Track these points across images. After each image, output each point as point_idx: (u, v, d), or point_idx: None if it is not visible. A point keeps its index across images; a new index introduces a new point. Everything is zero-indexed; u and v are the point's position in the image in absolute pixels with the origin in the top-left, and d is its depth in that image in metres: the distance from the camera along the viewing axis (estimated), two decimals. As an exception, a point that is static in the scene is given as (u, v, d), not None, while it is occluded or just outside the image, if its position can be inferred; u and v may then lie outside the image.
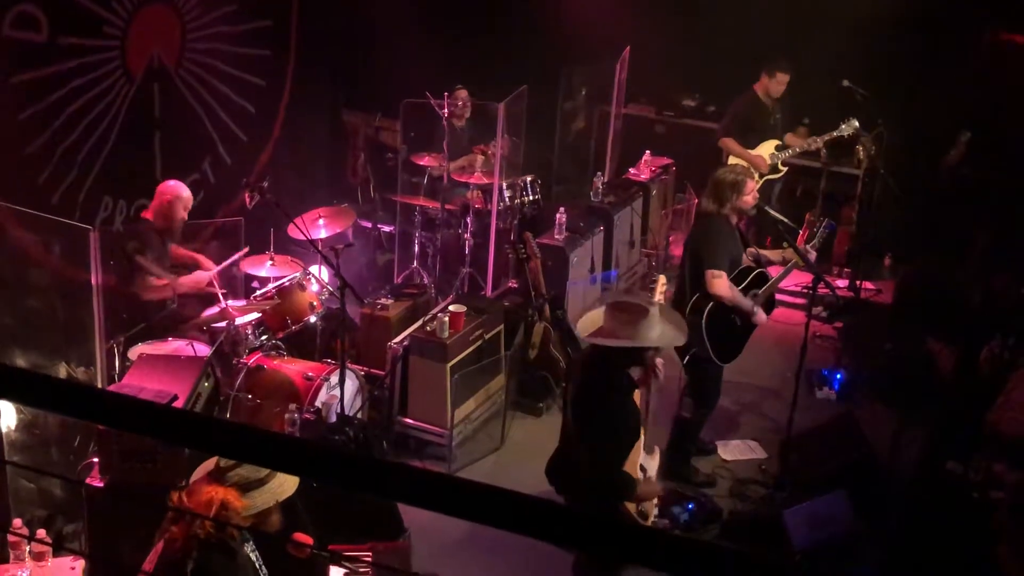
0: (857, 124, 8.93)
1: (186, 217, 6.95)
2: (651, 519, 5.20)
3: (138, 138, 7.80)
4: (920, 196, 9.37)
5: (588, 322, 5.02)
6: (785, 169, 9.35)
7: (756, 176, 9.13)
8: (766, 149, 9.21)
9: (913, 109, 9.47)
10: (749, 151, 9.18)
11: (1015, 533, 5.14)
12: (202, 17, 8.21)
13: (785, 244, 6.94)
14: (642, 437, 5.09)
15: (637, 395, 5.10)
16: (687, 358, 6.47)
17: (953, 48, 9.73)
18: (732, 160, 9.11)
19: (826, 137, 9.03)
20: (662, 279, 5.68)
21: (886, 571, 5.87)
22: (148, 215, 6.97)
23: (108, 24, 7.41)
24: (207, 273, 6.95)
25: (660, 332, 4.94)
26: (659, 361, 5.25)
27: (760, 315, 6.45)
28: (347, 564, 4.50)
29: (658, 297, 5.46)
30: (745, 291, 6.42)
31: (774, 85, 9.20)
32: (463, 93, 9.15)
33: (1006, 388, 6.36)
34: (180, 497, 3.80)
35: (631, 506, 5.01)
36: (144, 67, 7.78)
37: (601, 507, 4.97)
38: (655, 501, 5.25)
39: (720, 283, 6.24)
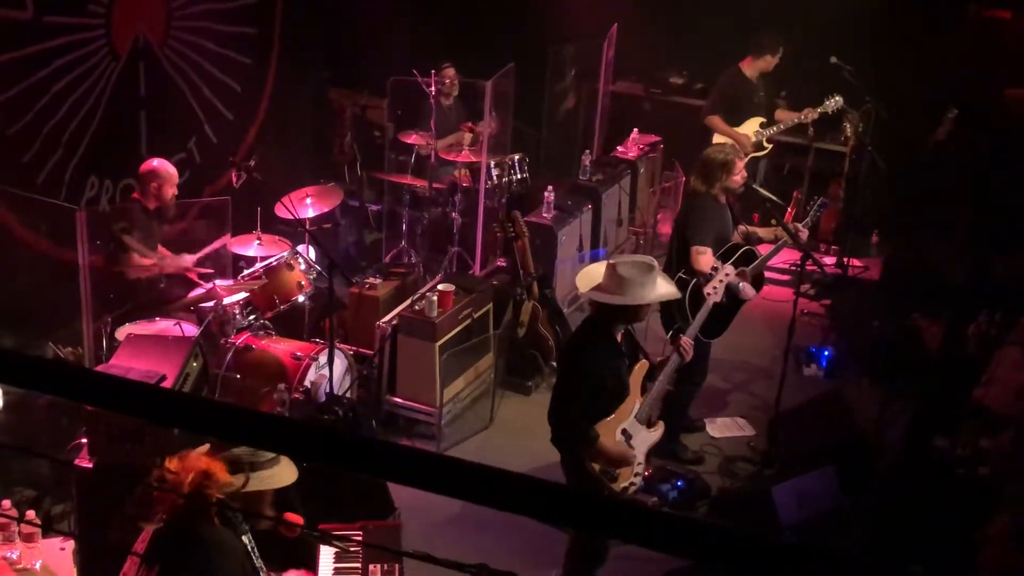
0: (841, 100, 8.91)
1: (175, 193, 6.90)
2: (623, 484, 5.23)
3: (124, 117, 7.75)
4: (907, 173, 9.38)
5: (587, 277, 5.27)
6: (770, 147, 9.31)
7: (741, 154, 9.10)
8: (751, 127, 9.18)
9: (900, 86, 9.47)
10: (734, 129, 9.15)
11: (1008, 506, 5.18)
12: (187, -5, 8.16)
13: (774, 222, 6.94)
14: (636, 405, 5.22)
15: (642, 366, 5.26)
16: (671, 332, 6.48)
17: (939, 25, 9.72)
18: (717, 138, 9.09)
19: (819, 108, 8.99)
20: (728, 268, 5.83)
21: (874, 546, 5.91)
22: (137, 196, 6.94)
23: (93, 2, 7.35)
24: (190, 256, 6.94)
25: (655, 290, 5.15)
26: (687, 341, 5.35)
27: (746, 289, 6.44)
28: (337, 543, 4.50)
29: (715, 284, 5.69)
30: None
31: (764, 63, 9.10)
32: (450, 71, 9.10)
33: (991, 364, 6.39)
34: (173, 460, 3.79)
35: (596, 465, 5.13)
36: (129, 45, 7.73)
37: (568, 456, 5.21)
38: (634, 470, 5.28)
39: (704, 259, 6.27)
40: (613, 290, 5.08)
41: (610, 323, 5.17)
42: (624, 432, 5.20)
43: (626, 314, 5.16)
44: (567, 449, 5.23)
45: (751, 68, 9.13)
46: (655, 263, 5.23)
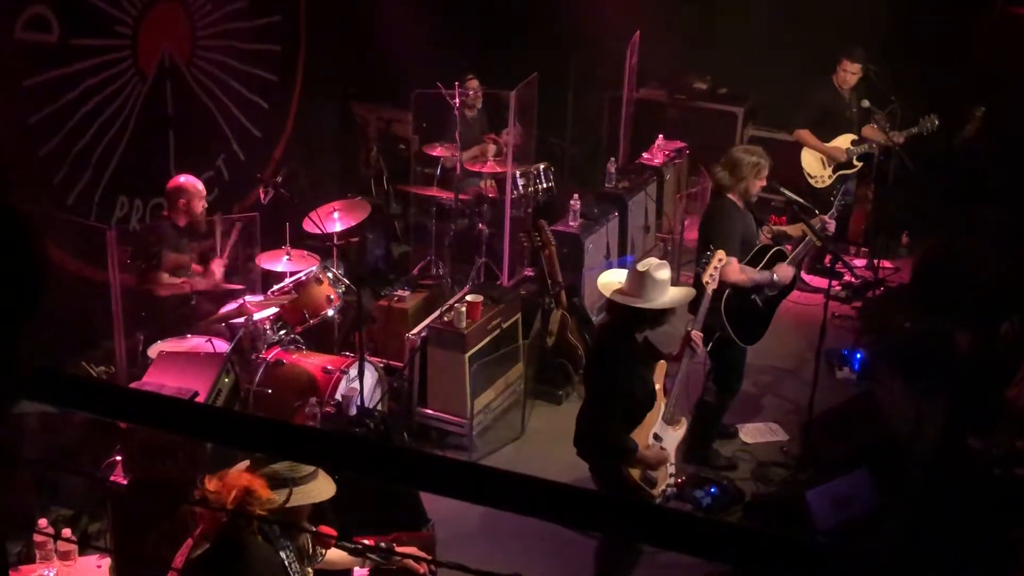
0: (937, 121, 8.80)
1: (205, 207, 6.95)
2: (660, 487, 5.24)
3: (152, 137, 7.82)
4: (935, 173, 9.31)
5: (609, 282, 5.22)
6: (860, 164, 9.13)
7: (830, 169, 9.04)
8: (842, 143, 9.00)
9: (926, 85, 9.40)
10: (826, 144, 9.04)
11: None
12: (212, 14, 8.23)
13: (802, 224, 6.89)
14: (661, 407, 5.21)
15: (661, 367, 5.21)
16: (711, 344, 6.44)
17: (966, 23, 9.66)
18: (806, 153, 9.02)
19: (905, 133, 8.85)
20: (720, 253, 5.67)
21: (910, 548, 5.86)
22: (166, 214, 7.00)
23: (119, 23, 7.43)
24: (219, 266, 6.97)
25: (669, 296, 5.12)
26: (697, 334, 5.33)
27: (780, 270, 6.36)
28: (372, 556, 4.51)
29: (710, 272, 5.55)
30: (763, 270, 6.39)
31: (842, 75, 8.89)
32: (474, 83, 9.12)
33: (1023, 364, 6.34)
34: (212, 480, 3.84)
35: (635, 472, 5.09)
36: (156, 65, 7.80)
37: (602, 468, 5.18)
38: (669, 472, 5.28)
39: (729, 269, 6.20)
40: (638, 294, 5.05)
41: (633, 329, 5.14)
42: (655, 436, 5.21)
43: (653, 318, 5.15)
44: (602, 460, 5.21)
45: (838, 80, 8.97)
46: (667, 265, 5.21)
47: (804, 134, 9.04)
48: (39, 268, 1.51)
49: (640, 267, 5.07)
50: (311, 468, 3.94)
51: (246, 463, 3.97)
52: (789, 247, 6.66)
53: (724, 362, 6.65)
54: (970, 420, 6.41)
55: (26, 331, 1.50)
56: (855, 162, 9.06)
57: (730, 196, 6.38)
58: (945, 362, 7.30)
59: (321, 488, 3.99)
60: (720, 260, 5.66)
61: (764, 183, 6.48)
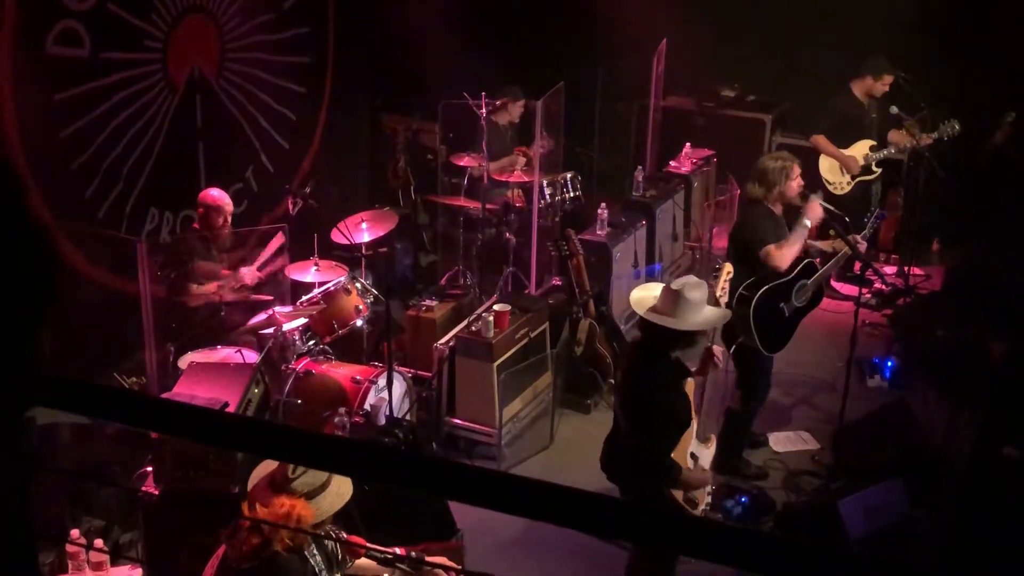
0: (958, 126, 8.73)
1: (227, 222, 6.96)
2: (701, 507, 5.19)
3: (182, 149, 7.88)
4: (966, 179, 9.24)
5: (642, 299, 5.08)
6: (879, 171, 9.08)
7: (848, 176, 9.01)
8: (860, 149, 8.96)
9: (957, 91, 9.34)
10: (842, 151, 8.99)
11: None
12: (241, 26, 8.29)
13: (832, 233, 6.85)
14: (694, 425, 5.13)
15: (690, 385, 5.13)
16: (733, 348, 6.43)
17: (995, 28, 9.59)
18: (824, 159, 8.98)
19: (935, 134, 8.79)
20: (727, 267, 5.61)
21: (943, 558, 5.80)
22: (195, 225, 7.05)
23: (149, 37, 7.49)
24: (250, 269, 6.98)
25: (704, 316, 4.97)
26: (718, 349, 5.28)
27: (813, 207, 6.32)
28: (401, 565, 4.51)
29: (722, 285, 5.47)
30: (793, 281, 6.35)
31: (879, 86, 8.84)
32: (521, 99, 9.13)
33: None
34: (254, 509, 3.91)
35: (678, 493, 5.03)
36: (185, 78, 7.86)
37: (646, 493, 5.06)
38: (707, 489, 5.25)
39: (778, 254, 6.16)
40: (673, 314, 4.89)
41: (667, 349, 4.96)
42: (692, 455, 5.14)
43: (688, 339, 4.96)
44: (647, 484, 5.07)
45: (857, 89, 8.93)
46: (706, 285, 5.10)
47: (820, 140, 8.99)
48: (52, 274, 1.51)
49: (675, 286, 4.91)
50: (325, 473, 4.00)
51: (260, 477, 4.04)
52: (818, 260, 6.63)
53: (749, 369, 6.62)
54: (1005, 428, 6.34)
55: (40, 336, 1.51)
56: (874, 168, 9.01)
57: (770, 199, 6.37)
58: (978, 370, 7.22)
59: (343, 486, 4.06)
60: (728, 273, 5.60)
61: (800, 182, 6.44)
